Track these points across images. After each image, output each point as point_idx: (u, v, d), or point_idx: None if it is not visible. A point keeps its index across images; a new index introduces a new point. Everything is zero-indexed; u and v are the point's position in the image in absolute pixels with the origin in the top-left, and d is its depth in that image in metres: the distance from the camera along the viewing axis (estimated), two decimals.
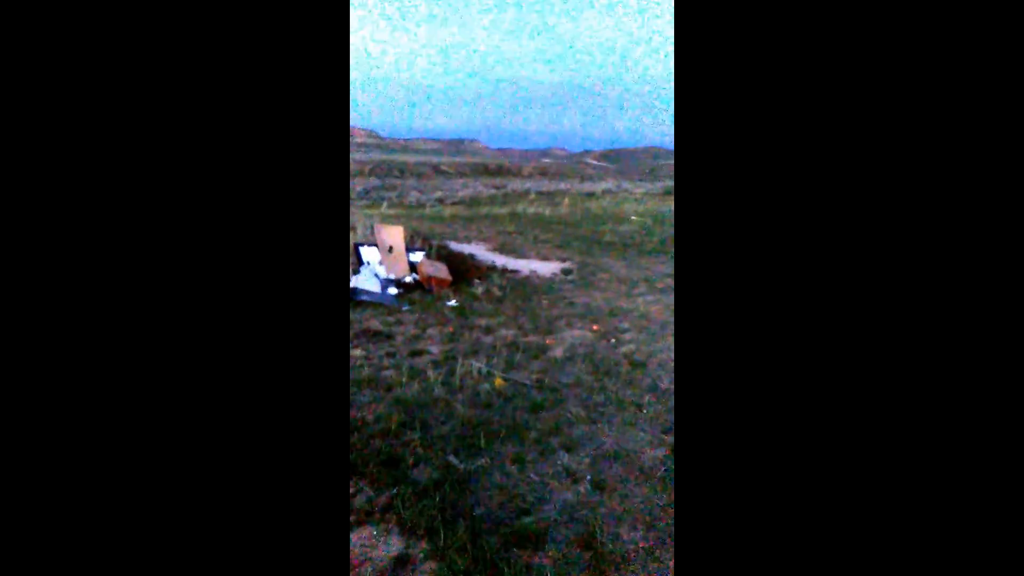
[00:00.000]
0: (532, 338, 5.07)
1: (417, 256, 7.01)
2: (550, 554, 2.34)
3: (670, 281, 7.47)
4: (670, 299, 6.66)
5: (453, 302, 5.95)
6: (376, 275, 6.17)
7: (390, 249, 6.52)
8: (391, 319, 5.32)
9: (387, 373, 4.08)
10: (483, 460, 3.02)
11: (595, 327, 5.47)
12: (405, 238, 6.87)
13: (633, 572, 2.29)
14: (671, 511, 2.68)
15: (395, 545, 2.35)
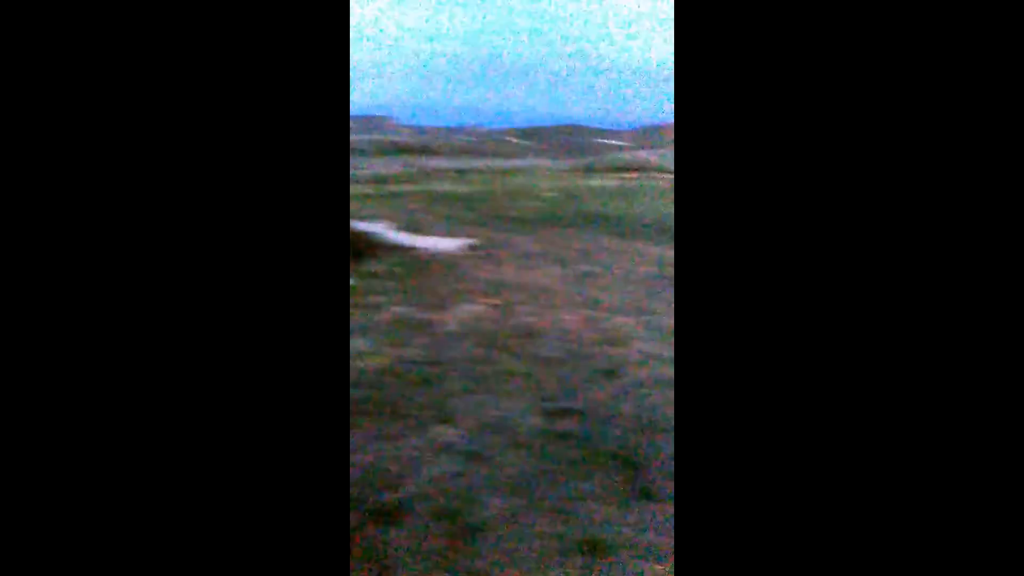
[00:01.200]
0: (426, 315, 5.01)
1: None
2: (407, 527, 2.31)
3: (573, 254, 7.61)
4: (570, 271, 6.78)
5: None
6: None
7: None
8: None
9: None
10: (351, 439, 2.94)
11: (492, 300, 5.48)
12: None
13: (490, 536, 2.29)
14: (540, 477, 2.72)
15: None
